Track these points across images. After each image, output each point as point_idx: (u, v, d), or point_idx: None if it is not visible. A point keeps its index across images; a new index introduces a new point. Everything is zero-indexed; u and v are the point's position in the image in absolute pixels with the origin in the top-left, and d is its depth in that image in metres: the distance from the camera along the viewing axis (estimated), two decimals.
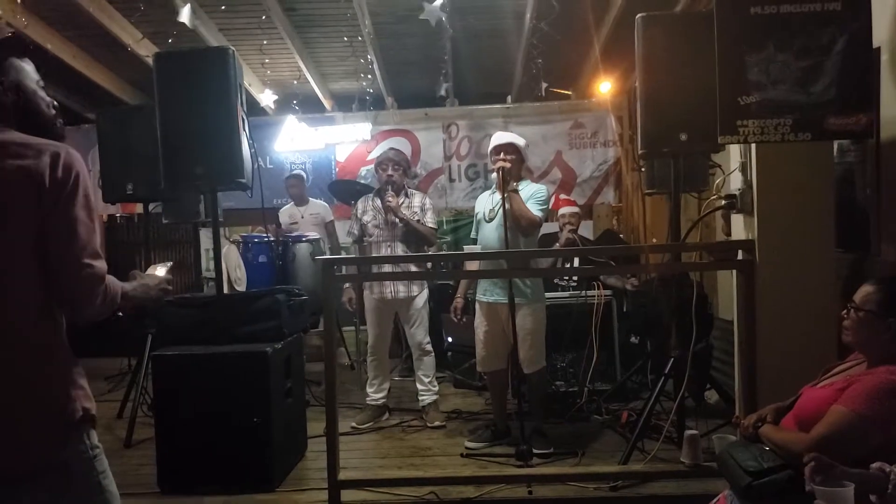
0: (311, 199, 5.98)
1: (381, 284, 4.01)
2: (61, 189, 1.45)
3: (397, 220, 3.99)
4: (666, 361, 3.27)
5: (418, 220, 4.04)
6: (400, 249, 4.02)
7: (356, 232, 4.21)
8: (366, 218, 4.14)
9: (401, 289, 4.00)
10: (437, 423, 3.94)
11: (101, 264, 1.49)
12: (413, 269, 4.07)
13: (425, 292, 4.14)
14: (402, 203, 4.03)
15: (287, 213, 5.89)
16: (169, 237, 7.39)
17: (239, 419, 3.04)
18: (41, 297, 1.47)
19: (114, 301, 1.54)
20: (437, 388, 4.16)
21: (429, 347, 4.13)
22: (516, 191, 3.43)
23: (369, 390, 4.10)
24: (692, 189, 3.80)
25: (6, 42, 1.67)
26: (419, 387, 4.11)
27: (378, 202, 4.11)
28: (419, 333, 4.09)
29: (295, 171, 6.49)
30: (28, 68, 1.60)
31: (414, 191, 4.29)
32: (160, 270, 1.82)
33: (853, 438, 1.80)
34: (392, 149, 4.30)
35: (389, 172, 4.05)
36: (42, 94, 1.61)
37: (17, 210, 1.43)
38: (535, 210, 3.42)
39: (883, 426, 1.78)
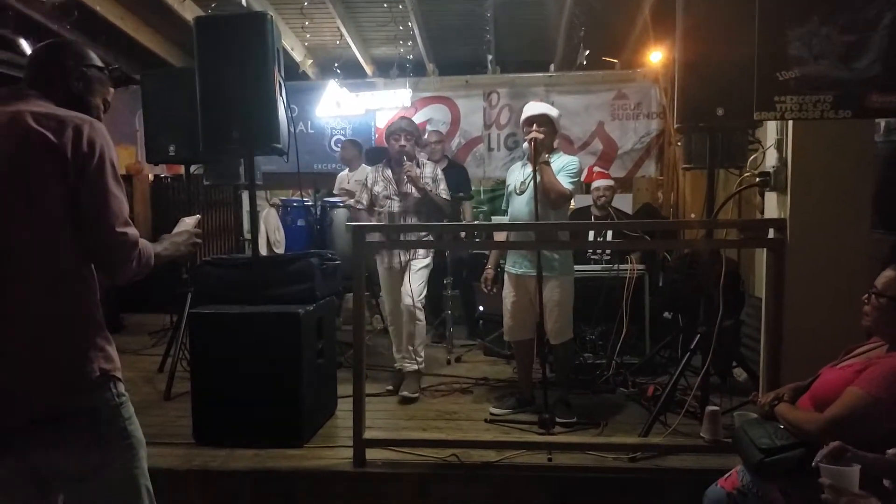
0: (363, 165, 6.05)
1: (391, 254, 4.00)
2: (87, 162, 1.53)
3: (414, 190, 3.93)
4: (696, 337, 3.27)
5: (430, 191, 3.98)
6: (412, 221, 4.00)
7: (364, 202, 4.14)
8: (376, 189, 4.09)
9: (405, 256, 3.97)
10: (406, 394, 3.81)
11: (132, 231, 1.61)
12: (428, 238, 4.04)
13: (428, 259, 4.04)
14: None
15: (339, 178, 6.00)
16: (212, 198, 7.58)
17: (271, 377, 3.16)
18: (61, 267, 1.56)
19: (148, 262, 1.66)
20: (421, 359, 4.00)
21: (419, 313, 3.97)
22: (548, 163, 3.42)
23: (397, 356, 4.11)
24: (731, 165, 3.70)
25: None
26: (402, 355, 3.99)
27: (389, 172, 4.08)
28: (407, 298, 3.92)
29: (350, 137, 6.56)
30: (110, 89, 1.78)
31: (425, 161, 4.22)
32: (189, 222, 1.92)
33: (866, 420, 1.79)
34: (403, 118, 4.25)
35: (402, 143, 3.98)
36: (101, 111, 1.75)
37: (37, 178, 1.52)
38: (565, 183, 3.41)
39: None
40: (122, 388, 1.67)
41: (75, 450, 1.57)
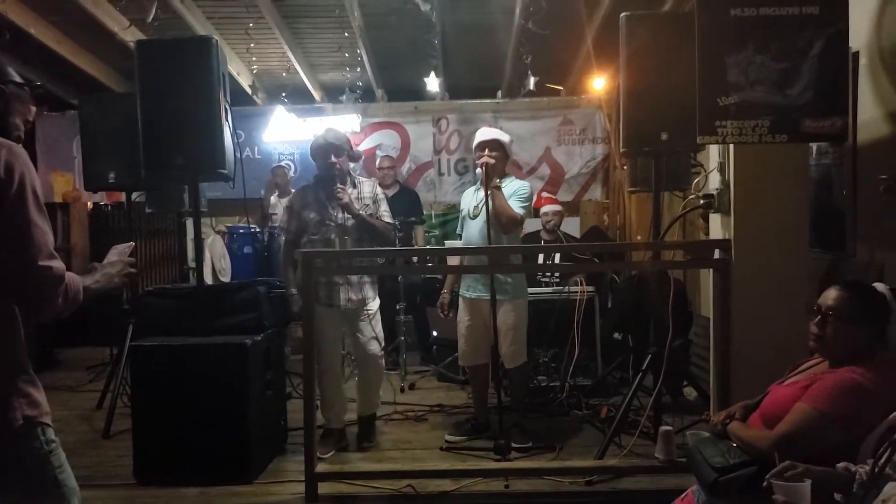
0: (293, 191, 6.00)
1: (331, 292, 3.44)
2: (5, 190, 1.41)
3: (350, 217, 3.43)
4: (646, 358, 3.31)
5: (371, 215, 3.52)
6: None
7: (293, 230, 3.54)
8: (308, 214, 3.48)
9: (352, 296, 3.46)
10: (365, 444, 3.54)
11: (58, 264, 1.48)
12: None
13: (378, 299, 3.64)
14: (350, 195, 3.47)
15: (269, 204, 5.93)
16: (154, 226, 7.37)
17: (217, 411, 3.05)
18: None
19: (76, 298, 1.53)
20: (377, 405, 3.74)
21: (381, 360, 3.63)
22: (499, 188, 3.44)
23: (326, 414, 3.57)
24: (676, 188, 3.82)
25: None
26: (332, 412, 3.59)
27: (323, 194, 3.50)
28: (373, 344, 3.53)
29: (280, 163, 6.51)
30: (30, 107, 1.64)
31: (362, 179, 3.71)
32: (122, 249, 1.78)
33: (815, 435, 1.83)
34: (330, 130, 3.60)
35: (331, 160, 3.43)
36: (22, 130, 1.62)
37: None
38: (516, 207, 3.43)
39: (843, 424, 1.81)
40: (51, 434, 1.55)
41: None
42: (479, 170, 3.48)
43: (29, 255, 1.43)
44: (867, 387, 1.82)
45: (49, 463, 1.52)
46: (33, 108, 1.67)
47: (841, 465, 1.66)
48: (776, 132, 2.47)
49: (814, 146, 3.21)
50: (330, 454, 3.44)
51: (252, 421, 3.08)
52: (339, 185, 3.41)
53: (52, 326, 5.14)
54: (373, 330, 3.52)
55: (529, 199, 3.58)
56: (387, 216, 3.61)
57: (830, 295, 1.96)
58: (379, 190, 3.68)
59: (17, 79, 1.61)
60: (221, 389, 3.06)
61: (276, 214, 5.79)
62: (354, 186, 3.59)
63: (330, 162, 3.44)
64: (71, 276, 1.52)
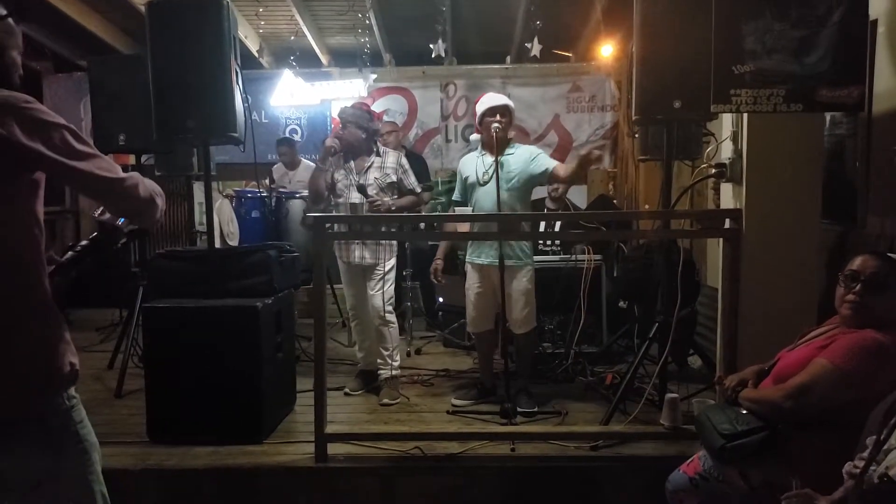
0: (303, 160, 5.99)
1: (348, 250, 3.76)
2: (47, 144, 1.43)
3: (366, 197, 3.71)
4: (652, 326, 3.34)
5: (392, 183, 3.78)
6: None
7: (329, 173, 3.85)
8: (337, 176, 3.81)
9: (366, 255, 3.73)
10: (386, 401, 3.67)
11: (130, 174, 1.56)
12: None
13: (393, 260, 3.82)
14: (372, 164, 3.77)
15: (277, 173, 5.91)
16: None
17: (228, 372, 3.09)
18: (21, 256, 1.47)
19: (155, 189, 1.62)
20: (397, 363, 3.84)
21: (390, 317, 3.78)
22: (512, 153, 3.44)
23: (359, 355, 3.98)
24: (686, 157, 3.79)
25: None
26: (377, 360, 3.84)
27: (351, 163, 3.80)
28: (378, 300, 3.73)
29: (285, 136, 6.46)
30: (19, 35, 1.59)
31: (387, 149, 3.94)
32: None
33: (830, 390, 1.85)
34: (356, 105, 3.94)
35: (348, 138, 3.73)
36: (19, 64, 1.59)
37: None
38: (551, 164, 3.45)
39: (860, 381, 1.83)
40: (72, 390, 1.58)
41: (25, 457, 1.48)
42: (476, 136, 3.57)
43: (109, 183, 1.50)
44: (889, 348, 1.83)
45: (70, 418, 1.56)
46: (21, 37, 1.60)
47: (845, 469, 1.65)
48: (791, 101, 2.45)
49: (828, 116, 3.18)
50: (359, 392, 3.85)
51: (263, 382, 3.12)
52: (373, 197, 3.68)
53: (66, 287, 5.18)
54: (379, 288, 3.73)
55: None
56: (413, 184, 3.87)
57: (869, 263, 1.94)
58: (404, 159, 3.90)
59: (1, 10, 1.53)
60: (233, 351, 3.09)
61: (284, 187, 5.78)
62: (379, 155, 3.82)
63: (348, 141, 3.74)
64: (142, 178, 1.60)
